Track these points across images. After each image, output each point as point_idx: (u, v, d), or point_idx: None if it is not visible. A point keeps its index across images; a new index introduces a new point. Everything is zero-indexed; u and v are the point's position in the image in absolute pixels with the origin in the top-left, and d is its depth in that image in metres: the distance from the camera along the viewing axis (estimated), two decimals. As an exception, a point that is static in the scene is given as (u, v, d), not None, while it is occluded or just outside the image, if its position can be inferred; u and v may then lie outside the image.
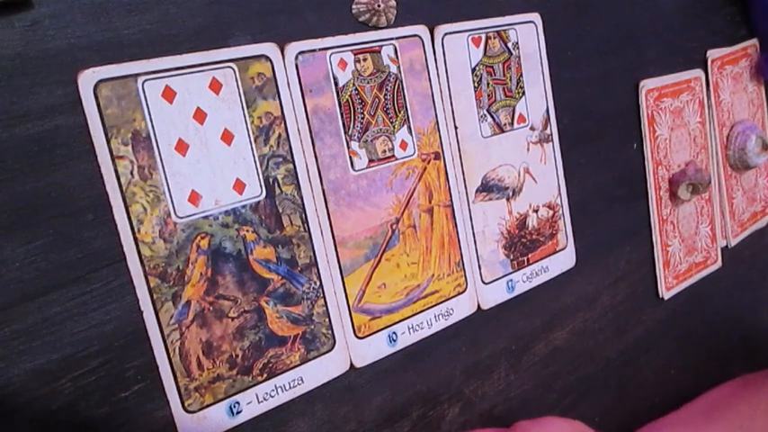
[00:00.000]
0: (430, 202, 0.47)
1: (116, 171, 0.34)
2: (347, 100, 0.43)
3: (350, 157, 0.43)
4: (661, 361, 0.67)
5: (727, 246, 0.73)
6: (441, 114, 0.47)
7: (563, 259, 0.56)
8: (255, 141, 0.39)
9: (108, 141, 0.34)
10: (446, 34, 0.47)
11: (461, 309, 0.49)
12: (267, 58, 0.39)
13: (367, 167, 0.44)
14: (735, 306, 0.76)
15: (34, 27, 0.32)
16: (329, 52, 0.42)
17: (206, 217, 0.38)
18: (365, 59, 0.43)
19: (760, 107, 0.77)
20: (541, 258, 0.54)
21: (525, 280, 0.53)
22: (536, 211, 0.54)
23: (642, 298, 0.64)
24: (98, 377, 0.35)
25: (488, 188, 0.50)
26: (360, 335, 0.44)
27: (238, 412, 0.39)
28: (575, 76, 0.56)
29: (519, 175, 0.52)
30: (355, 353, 0.44)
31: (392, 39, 0.45)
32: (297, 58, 0.41)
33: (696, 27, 0.67)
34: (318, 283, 0.42)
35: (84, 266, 0.34)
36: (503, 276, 0.52)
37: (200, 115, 0.37)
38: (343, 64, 0.42)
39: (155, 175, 0.36)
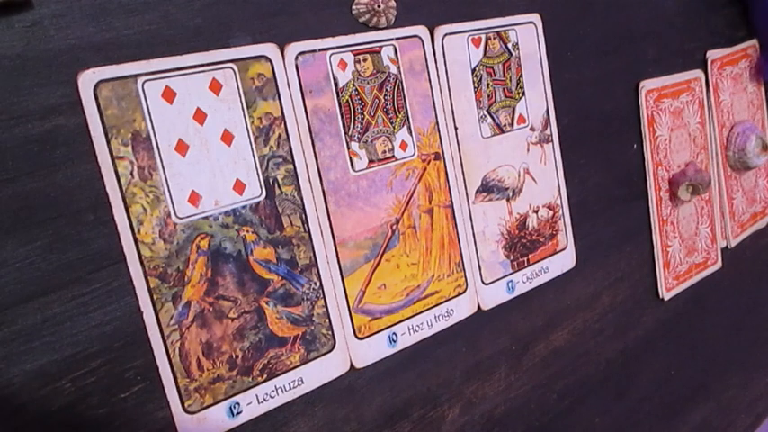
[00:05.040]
0: (430, 203, 0.47)
1: (116, 172, 0.34)
2: (347, 100, 0.43)
3: (350, 158, 0.43)
4: (661, 361, 0.67)
5: (727, 246, 0.73)
6: (441, 115, 0.47)
7: (563, 260, 0.56)
8: (255, 142, 0.39)
9: (108, 142, 0.34)
10: (446, 35, 0.47)
11: (461, 309, 0.49)
12: (267, 58, 0.39)
13: (367, 168, 0.44)
14: (735, 307, 0.76)
15: (34, 27, 0.32)
16: (329, 53, 0.42)
17: (206, 217, 0.38)
18: (365, 60, 0.43)
19: (760, 108, 0.77)
20: (541, 259, 0.54)
21: (525, 280, 0.53)
22: (536, 211, 0.54)
23: (642, 298, 0.64)
24: (98, 378, 0.35)
25: (488, 189, 0.50)
26: (360, 335, 0.44)
27: (238, 413, 0.39)
28: (575, 76, 0.56)
29: (519, 176, 0.52)
30: (355, 353, 0.44)
31: (392, 39, 0.45)
32: (297, 58, 0.41)
33: (696, 27, 0.67)
34: (318, 284, 0.42)
35: (84, 267, 0.34)
36: (503, 277, 0.52)
37: (200, 116, 0.37)
38: (343, 64, 0.42)
39: (155, 176, 0.36)
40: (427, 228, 0.47)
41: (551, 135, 0.54)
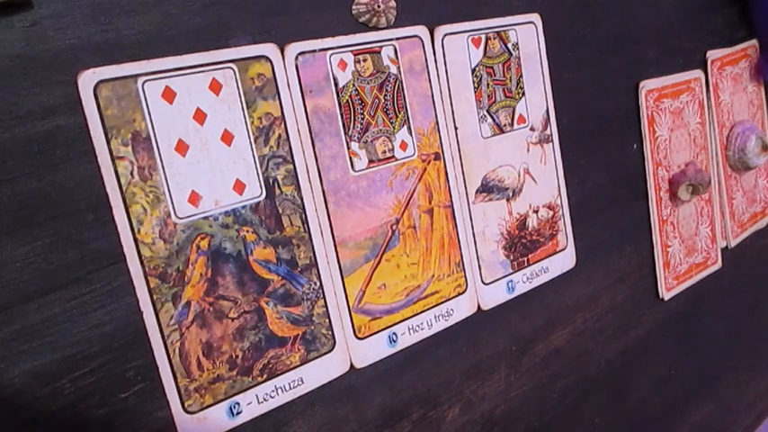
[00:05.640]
0: (430, 203, 0.47)
1: (116, 171, 0.34)
2: (347, 100, 0.43)
3: (350, 158, 0.43)
4: (661, 361, 0.67)
5: (727, 246, 0.73)
6: (441, 115, 0.47)
7: (563, 260, 0.56)
8: (255, 142, 0.39)
9: (108, 142, 0.34)
10: (446, 35, 0.47)
11: (461, 309, 0.49)
12: (267, 58, 0.39)
13: (367, 168, 0.44)
14: (735, 307, 0.76)
15: (34, 27, 0.32)
16: (329, 53, 0.42)
17: (206, 217, 0.38)
18: (365, 60, 0.43)
19: (760, 108, 0.77)
20: (541, 259, 0.54)
21: (525, 280, 0.53)
22: (536, 211, 0.54)
23: (642, 299, 0.64)
24: (98, 378, 0.35)
25: (488, 189, 0.50)
26: (360, 335, 0.44)
27: (238, 413, 0.39)
28: (575, 76, 0.56)
29: (519, 176, 0.52)
30: (355, 353, 0.44)
31: (392, 39, 0.45)
32: (297, 58, 0.41)
33: (696, 27, 0.67)
34: (318, 284, 0.42)
35: (84, 267, 0.34)
36: (503, 277, 0.52)
37: (200, 116, 0.37)
38: (343, 64, 0.42)
39: (155, 176, 0.36)
40: (427, 228, 0.47)
41: (551, 135, 0.54)
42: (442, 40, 0.47)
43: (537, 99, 0.53)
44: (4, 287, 0.32)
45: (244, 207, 0.39)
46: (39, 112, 0.32)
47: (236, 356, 0.39)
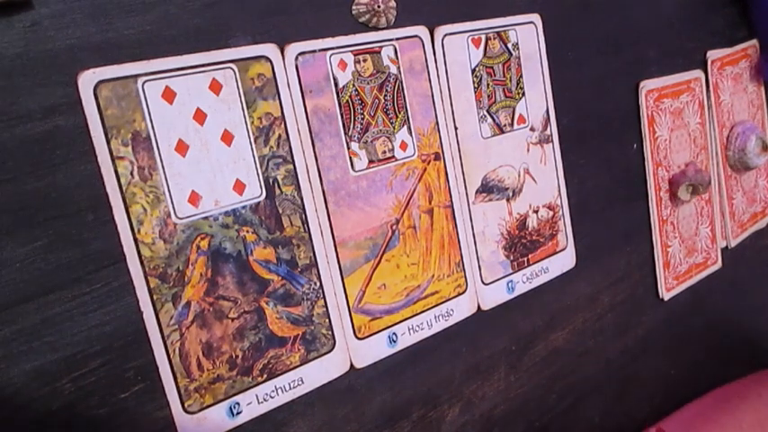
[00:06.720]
0: (430, 203, 0.47)
1: (116, 172, 0.34)
2: (347, 100, 0.43)
3: (350, 158, 0.43)
4: (661, 361, 0.67)
5: (727, 246, 0.73)
6: (441, 115, 0.47)
7: (563, 260, 0.56)
8: (255, 142, 0.39)
9: (108, 142, 0.34)
10: (446, 35, 0.47)
11: (461, 309, 0.49)
12: (267, 58, 0.39)
13: (367, 168, 0.44)
14: (735, 306, 0.76)
15: (34, 28, 0.32)
16: (329, 53, 0.42)
17: (206, 218, 0.38)
18: (365, 60, 0.43)
19: (760, 108, 0.77)
20: (541, 259, 0.54)
21: (525, 280, 0.53)
22: (536, 211, 0.54)
23: (642, 298, 0.64)
24: (98, 378, 0.35)
25: (488, 189, 0.50)
26: (360, 335, 0.44)
27: (238, 413, 0.39)
28: (575, 76, 0.56)
29: (519, 176, 0.52)
30: (355, 353, 0.44)
31: (392, 39, 0.45)
32: (297, 58, 0.41)
33: (696, 27, 0.67)
34: (318, 284, 0.42)
35: (83, 267, 0.34)
36: (503, 277, 0.52)
37: (200, 116, 0.37)
38: (343, 65, 0.42)
39: (155, 176, 0.36)
40: (427, 228, 0.47)
41: (551, 135, 0.54)
42: (442, 40, 0.47)
43: (537, 99, 0.53)
44: (4, 287, 0.32)
45: (244, 207, 0.39)
46: (39, 112, 0.32)
47: (236, 356, 0.39)
